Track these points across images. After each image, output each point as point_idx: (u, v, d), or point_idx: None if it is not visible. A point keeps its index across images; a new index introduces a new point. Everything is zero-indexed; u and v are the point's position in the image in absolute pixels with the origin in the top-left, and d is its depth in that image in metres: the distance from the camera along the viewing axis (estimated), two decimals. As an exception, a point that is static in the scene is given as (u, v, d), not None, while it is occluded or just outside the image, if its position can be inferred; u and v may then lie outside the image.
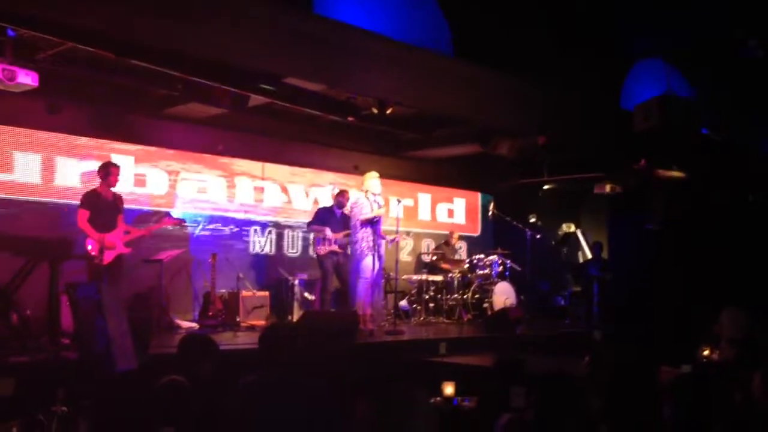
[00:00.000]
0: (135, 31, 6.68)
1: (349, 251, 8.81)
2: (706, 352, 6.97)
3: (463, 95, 9.22)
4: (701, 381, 3.29)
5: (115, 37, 6.85)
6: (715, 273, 10.44)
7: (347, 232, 8.78)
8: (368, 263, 8.24)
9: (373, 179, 8.48)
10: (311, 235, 9.58)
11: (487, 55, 9.16)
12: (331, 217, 8.83)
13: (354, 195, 8.78)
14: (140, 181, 9.00)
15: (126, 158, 8.67)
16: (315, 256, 8.80)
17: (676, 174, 10.81)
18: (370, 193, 8.38)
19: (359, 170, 11.03)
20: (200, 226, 9.46)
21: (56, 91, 8.02)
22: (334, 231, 8.68)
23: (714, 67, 8.11)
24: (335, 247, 8.63)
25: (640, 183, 11.09)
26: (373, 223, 8.29)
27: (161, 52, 7.24)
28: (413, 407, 4.24)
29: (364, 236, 8.25)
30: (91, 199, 7.29)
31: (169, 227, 8.75)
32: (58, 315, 6.41)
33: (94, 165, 8.45)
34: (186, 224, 9.23)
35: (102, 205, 7.30)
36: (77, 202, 7.45)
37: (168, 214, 8.95)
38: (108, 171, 7.40)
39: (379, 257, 8.30)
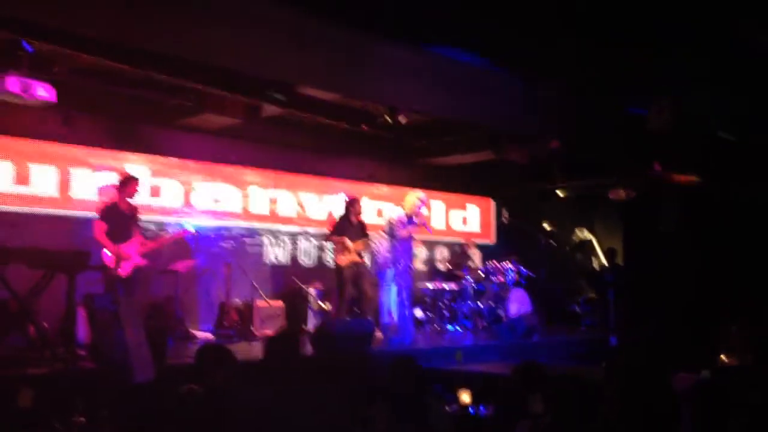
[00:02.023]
0: (149, 42, 6.72)
1: (366, 261, 8.80)
2: (723, 357, 6.90)
3: (475, 100, 9.20)
4: (720, 386, 3.27)
5: (130, 49, 6.91)
6: (732, 277, 10.34)
7: (365, 240, 8.78)
8: (391, 274, 8.26)
9: (408, 197, 8.49)
10: (328, 245, 9.58)
11: (499, 60, 9.14)
12: (349, 226, 8.82)
13: (398, 213, 8.69)
14: (155, 191, 9.05)
15: (141, 169, 8.73)
16: (333, 265, 8.78)
17: (690, 177, 10.74)
18: (405, 213, 8.38)
19: (374, 179, 11.04)
20: (214, 237, 9.49)
21: (71, 104, 8.09)
22: (352, 240, 8.67)
23: (723, 66, 8.03)
24: (356, 257, 8.63)
25: (654, 187, 11.02)
26: (406, 240, 8.31)
27: (175, 62, 7.29)
28: (430, 415, 4.24)
29: (397, 251, 8.26)
30: (109, 211, 7.35)
31: (184, 238, 8.77)
32: (73, 326, 6.44)
33: (110, 177, 8.53)
34: (200, 235, 9.26)
35: (119, 216, 7.36)
36: (94, 213, 7.50)
37: (182, 226, 8.99)
38: (127, 184, 7.49)
39: (401, 267, 8.29)
